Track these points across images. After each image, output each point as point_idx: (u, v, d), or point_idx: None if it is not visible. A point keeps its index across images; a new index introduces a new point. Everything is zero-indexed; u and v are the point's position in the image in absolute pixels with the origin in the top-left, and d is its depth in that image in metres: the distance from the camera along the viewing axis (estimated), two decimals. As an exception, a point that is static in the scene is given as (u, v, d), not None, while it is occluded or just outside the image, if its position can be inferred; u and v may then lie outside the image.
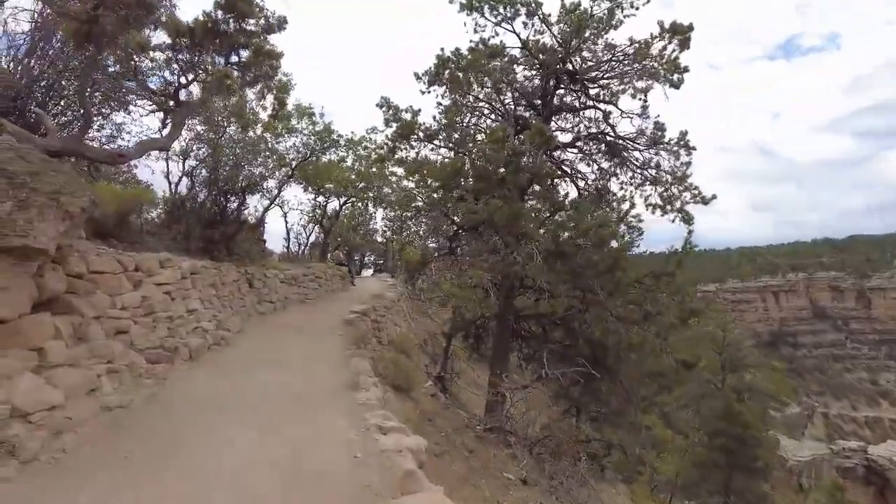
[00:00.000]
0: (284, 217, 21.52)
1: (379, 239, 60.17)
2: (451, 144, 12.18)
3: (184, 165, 12.99)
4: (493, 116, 12.63)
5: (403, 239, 14.10)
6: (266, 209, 16.03)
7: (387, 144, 12.63)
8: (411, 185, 22.08)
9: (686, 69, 11.04)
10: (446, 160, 11.67)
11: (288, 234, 21.77)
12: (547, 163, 10.94)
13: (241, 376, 7.30)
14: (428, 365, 13.94)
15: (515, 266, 9.51)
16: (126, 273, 7.21)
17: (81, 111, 6.26)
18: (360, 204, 22.24)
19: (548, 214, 10.40)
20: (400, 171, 19.30)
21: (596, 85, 11.81)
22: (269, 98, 8.95)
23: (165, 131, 7.28)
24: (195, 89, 8.16)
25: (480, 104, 12.48)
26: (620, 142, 11.79)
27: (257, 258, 14.63)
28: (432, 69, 11.93)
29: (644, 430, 11.82)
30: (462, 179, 10.32)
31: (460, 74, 11.55)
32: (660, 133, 11.67)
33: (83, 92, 6.06)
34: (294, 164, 15.95)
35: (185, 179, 13.06)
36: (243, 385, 6.89)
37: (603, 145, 12.11)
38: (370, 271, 39.70)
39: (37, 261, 4.79)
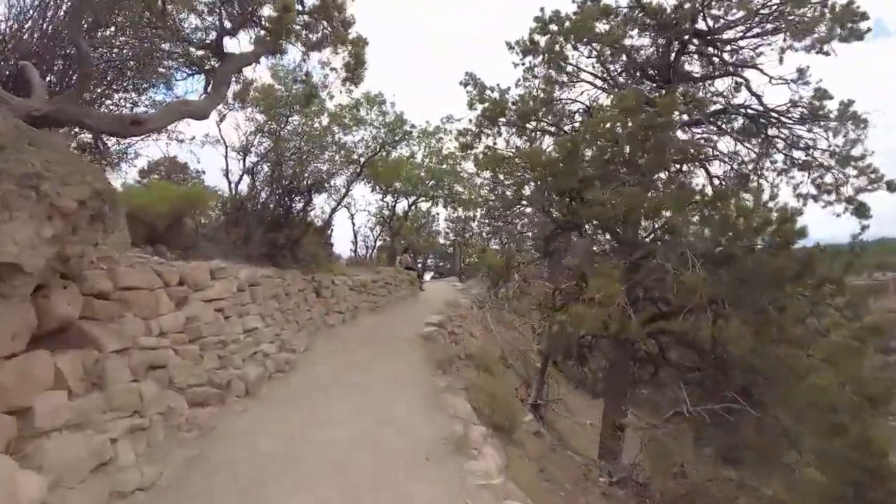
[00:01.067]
0: (351, 218, 20.17)
1: (442, 241, 58.79)
2: (549, 126, 10.14)
3: (244, 162, 11.68)
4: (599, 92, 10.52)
5: (486, 241, 12.19)
6: (334, 209, 14.60)
7: (470, 131, 10.74)
8: (481, 180, 20.19)
9: (864, 16, 8.45)
10: (548, 145, 9.70)
11: (355, 236, 20.41)
12: (688, 141, 8.70)
13: (310, 422, 5.60)
14: (518, 389, 11.94)
15: (664, 274, 7.37)
16: (167, 288, 5.69)
17: (75, 52, 4.62)
18: (427, 203, 20.48)
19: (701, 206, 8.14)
20: (471, 167, 17.52)
21: (733, 46, 9.39)
22: (343, 55, 7.25)
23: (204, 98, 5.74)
24: (244, 39, 6.66)
25: (582, 78, 10.38)
26: (765, 117, 9.27)
27: (324, 264, 13.16)
28: (525, 39, 9.96)
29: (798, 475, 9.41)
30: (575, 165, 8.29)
31: (561, 39, 9.51)
32: (819, 104, 9.08)
33: (76, 26, 4.52)
34: (362, 160, 14.42)
35: (245, 177, 11.74)
36: (313, 438, 5.17)
37: (744, 121, 9.66)
38: (429, 275, 38.13)
39: (12, 280, 3.20)
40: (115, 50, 5.46)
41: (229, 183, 12.07)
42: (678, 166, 9.17)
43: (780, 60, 9.19)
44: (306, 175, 11.81)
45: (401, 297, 17.74)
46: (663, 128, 7.38)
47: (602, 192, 7.36)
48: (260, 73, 11.56)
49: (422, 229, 45.88)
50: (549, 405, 11.70)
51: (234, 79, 7.34)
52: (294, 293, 10.17)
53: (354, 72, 7.61)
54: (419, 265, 23.40)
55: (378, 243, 22.82)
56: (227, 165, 11.93)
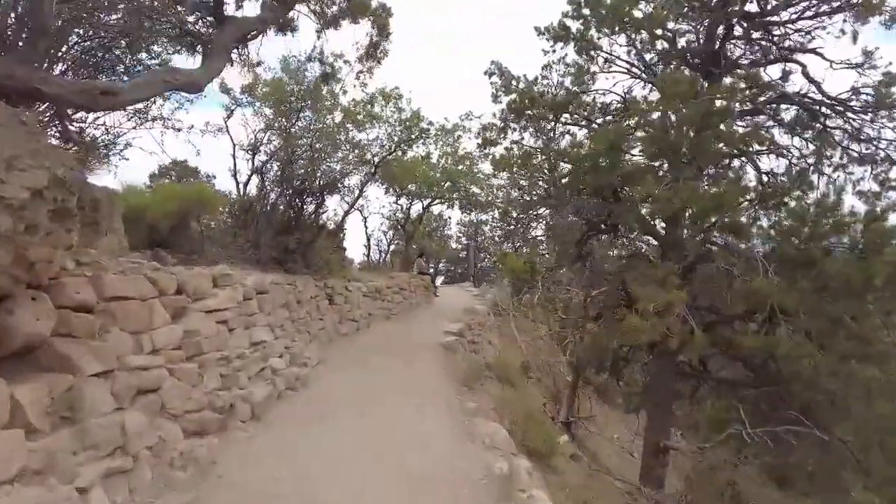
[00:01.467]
0: (364, 222, 19.46)
1: (453, 245, 57.97)
2: (581, 118, 9.34)
3: (253, 161, 10.99)
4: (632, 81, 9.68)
5: (498, 244, 11.36)
6: (347, 212, 13.86)
7: (494, 126, 9.96)
8: (498, 181, 19.41)
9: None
10: (581, 138, 8.89)
11: (368, 240, 19.70)
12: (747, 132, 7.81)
13: (325, 452, 4.83)
14: (547, 404, 11.10)
15: (730, 280, 6.53)
16: (162, 298, 4.96)
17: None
18: (443, 206, 19.66)
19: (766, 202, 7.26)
20: (488, 168, 16.76)
21: (786, 29, 8.52)
22: (365, 25, 6.47)
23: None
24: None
25: (615, 67, 9.56)
26: (826, 106, 8.34)
27: (337, 269, 12.44)
28: (555, 25, 9.17)
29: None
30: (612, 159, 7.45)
31: (595, 24, 8.71)
32: (885, 91, 8.14)
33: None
34: (376, 159, 13.69)
35: (254, 178, 11.05)
36: (330, 473, 4.39)
37: (797, 111, 8.76)
38: (440, 280, 37.37)
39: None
40: (97, 18, 4.75)
41: (237, 183, 11.42)
42: (726, 161, 8.30)
43: (854, 39, 8.19)
44: (318, 175, 11.09)
45: (415, 303, 16.98)
46: (721, 115, 6.55)
47: (654, 187, 6.54)
48: (268, 67, 10.70)
49: (433, 233, 45.18)
50: (580, 422, 10.86)
51: (237, 52, 6.61)
52: (306, 301, 9.45)
53: (377, 47, 6.85)
54: (432, 270, 22.60)
55: (391, 247, 22.11)
56: (234, 165, 11.28)
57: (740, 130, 7.68)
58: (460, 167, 17.10)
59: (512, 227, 14.23)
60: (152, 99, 5.78)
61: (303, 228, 11.16)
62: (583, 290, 10.22)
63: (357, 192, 13.41)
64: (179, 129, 7.33)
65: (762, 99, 8.27)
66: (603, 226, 8.81)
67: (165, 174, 17.63)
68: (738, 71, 8.55)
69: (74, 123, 5.33)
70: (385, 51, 6.94)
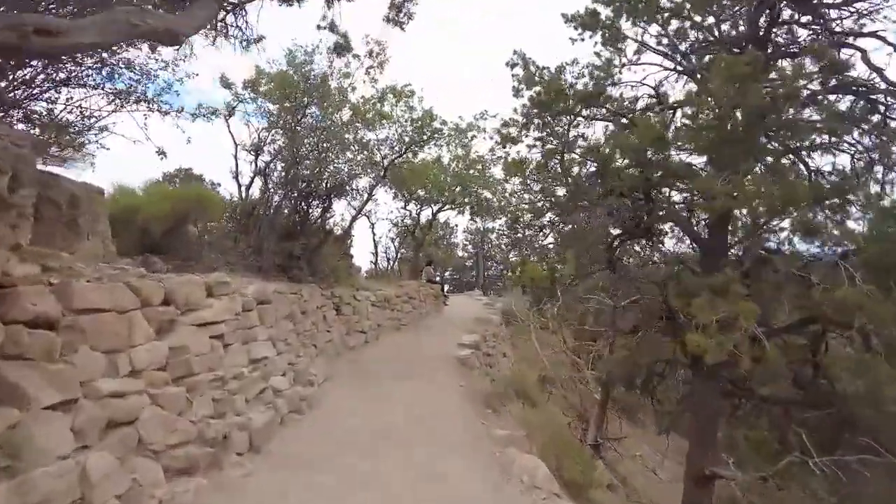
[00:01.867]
0: (372, 228, 18.69)
1: (460, 253, 57.31)
2: (610, 112, 8.58)
3: (256, 162, 10.29)
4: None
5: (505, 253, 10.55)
6: (355, 217, 13.13)
7: (515, 122, 9.24)
8: (511, 186, 18.70)
9: None
10: (608, 134, 8.12)
11: (375, 247, 18.93)
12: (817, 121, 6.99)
13: (335, 496, 4.05)
14: (571, 423, 10.27)
15: (805, 288, 5.71)
16: (146, 309, 4.23)
17: None
18: (453, 212, 18.86)
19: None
20: (499, 172, 16.02)
21: (843, 11, 7.71)
22: None
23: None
24: None
25: (647, 55, 8.80)
26: (892, 94, 7.45)
27: (345, 277, 11.70)
28: (583, 13, 8.45)
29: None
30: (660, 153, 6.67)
31: (626, 9, 7.98)
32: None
33: None
34: (386, 162, 12.97)
35: (257, 179, 10.34)
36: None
37: (853, 101, 7.92)
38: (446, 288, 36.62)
39: None
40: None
41: (239, 186, 10.69)
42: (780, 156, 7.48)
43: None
44: (325, 177, 10.39)
45: (425, 312, 16.19)
46: (789, 99, 5.77)
47: (710, 183, 5.73)
48: (273, 60, 9.97)
49: (440, 241, 44.46)
50: (608, 443, 10.03)
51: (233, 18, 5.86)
52: (312, 311, 8.71)
53: (401, 9, 6.07)
54: (438, 278, 21.80)
55: (400, 255, 21.34)
56: (236, 166, 10.56)
57: (811, 118, 6.87)
58: (472, 171, 16.35)
59: (520, 234, 13.49)
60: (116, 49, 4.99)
61: (308, 233, 10.45)
62: (613, 300, 9.41)
63: (365, 195, 12.66)
64: (167, 113, 6.55)
65: (817, 86, 7.45)
66: (637, 229, 8.01)
67: (169, 181, 16.97)
68: (790, 59, 7.76)
69: (40, 102, 4.64)
70: (410, 14, 6.16)
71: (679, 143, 6.76)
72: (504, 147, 9.46)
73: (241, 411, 4.87)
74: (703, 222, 7.71)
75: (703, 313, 5.21)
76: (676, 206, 7.93)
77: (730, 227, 7.28)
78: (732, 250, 7.51)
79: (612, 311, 9.61)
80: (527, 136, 9.08)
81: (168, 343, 4.31)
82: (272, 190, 10.25)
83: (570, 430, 9.66)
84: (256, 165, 10.34)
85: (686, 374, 8.77)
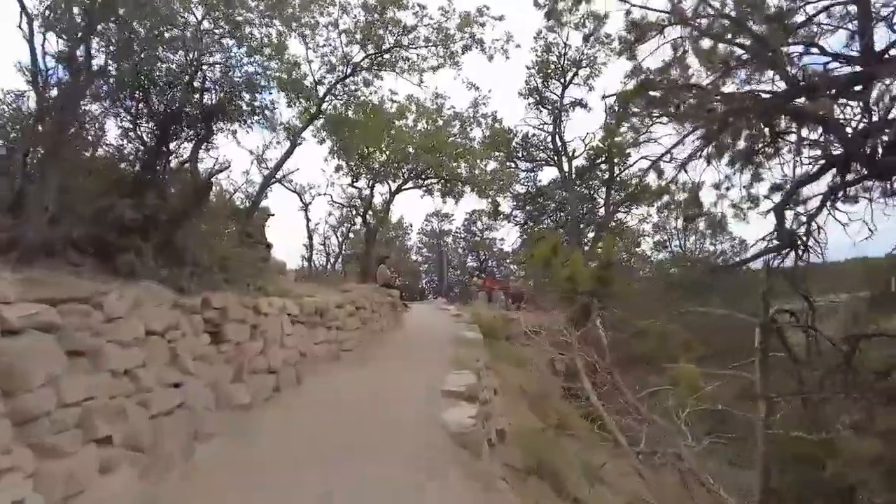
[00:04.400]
0: (305, 210, 13.56)
1: (414, 257, 52.42)
2: None
3: (44, 40, 5.12)
4: None
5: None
6: (269, 179, 8.16)
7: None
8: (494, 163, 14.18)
9: None
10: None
11: (310, 237, 13.79)
12: None
13: None
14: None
15: None
16: None
17: None
18: (419, 191, 13.92)
19: None
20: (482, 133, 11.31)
21: None
22: None
23: None
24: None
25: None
26: None
27: (243, 273, 6.79)
28: None
29: None
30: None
31: None
32: None
33: None
34: (322, 90, 8.06)
35: (54, 71, 5.22)
36: None
37: None
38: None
39: None
40: None
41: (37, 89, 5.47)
42: None
43: None
44: (201, 79, 5.44)
45: (380, 329, 11.33)
46: None
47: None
48: None
49: (392, 242, 39.45)
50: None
51: None
52: (131, 342, 3.77)
53: None
54: (398, 280, 16.79)
55: (344, 250, 16.24)
56: (31, 49, 5.34)
57: None
58: (450, 132, 11.62)
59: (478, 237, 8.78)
60: None
61: (159, 186, 5.47)
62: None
63: (287, 141, 7.68)
64: None
65: None
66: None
67: None
68: None
69: None
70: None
71: None
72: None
73: None
74: None
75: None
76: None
77: None
78: None
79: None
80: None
81: None
82: (78, 92, 5.13)
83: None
84: (44, 44, 5.16)
85: None
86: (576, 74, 20.22)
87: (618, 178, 22.07)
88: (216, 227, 7.12)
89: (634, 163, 22.50)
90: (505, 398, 10.27)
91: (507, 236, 39.85)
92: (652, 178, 8.44)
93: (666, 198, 8.23)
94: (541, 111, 21.49)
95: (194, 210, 5.90)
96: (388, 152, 11.16)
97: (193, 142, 5.60)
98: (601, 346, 7.29)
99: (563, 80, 20.31)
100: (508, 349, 14.22)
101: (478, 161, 12.36)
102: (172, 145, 5.79)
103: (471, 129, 12.04)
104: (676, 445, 5.47)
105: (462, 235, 54.36)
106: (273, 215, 9.62)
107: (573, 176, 21.93)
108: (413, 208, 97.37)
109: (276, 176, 8.32)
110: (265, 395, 5.84)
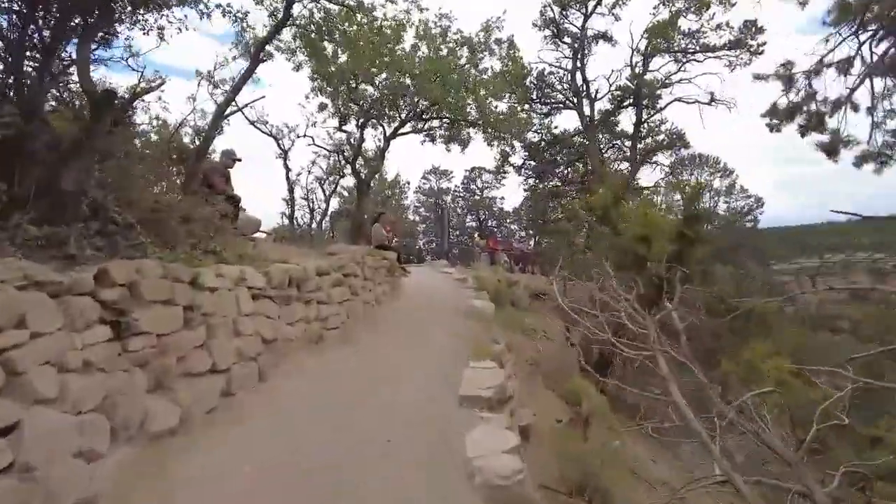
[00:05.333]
0: (284, 159, 11.55)
1: (411, 216, 50.57)
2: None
3: None
4: None
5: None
6: (228, 103, 6.23)
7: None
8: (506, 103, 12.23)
9: None
10: None
11: (291, 190, 11.83)
12: None
13: None
14: None
15: None
16: None
17: None
18: (419, 136, 11.76)
19: None
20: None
21: None
22: None
23: None
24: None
25: None
26: None
27: (183, 237, 4.95)
28: None
29: None
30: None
31: None
32: None
33: None
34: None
35: None
36: None
37: None
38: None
39: None
40: None
41: None
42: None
43: None
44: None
45: (374, 300, 9.53)
46: None
47: None
48: None
49: (389, 200, 37.53)
50: None
51: None
52: None
53: None
54: (396, 241, 14.88)
55: (333, 207, 14.28)
56: None
57: None
58: (457, 57, 9.45)
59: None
60: None
61: (32, 99, 3.52)
62: None
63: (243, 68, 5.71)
64: None
65: None
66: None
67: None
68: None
69: None
70: None
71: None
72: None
73: None
74: None
75: None
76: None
77: None
78: None
79: None
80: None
81: None
82: None
83: None
84: None
85: None
86: (599, 3, 17.80)
87: (644, 125, 20.00)
88: (146, 169, 5.22)
89: (667, 105, 20.49)
90: (519, 377, 8.65)
91: (509, 195, 38.12)
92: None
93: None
94: (558, 46, 19.10)
95: (97, 139, 3.99)
96: (381, 81, 9.02)
97: (81, 32, 3.64)
98: (674, 332, 5.52)
99: (584, 10, 17.87)
100: (514, 316, 12.63)
101: (490, 99, 10.32)
102: (59, 41, 3.79)
103: (481, 59, 9.98)
104: (803, 480, 3.77)
105: (461, 194, 52.27)
106: (240, 160, 7.69)
107: (594, 120, 19.75)
108: (410, 163, 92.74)
109: (236, 104, 6.31)
110: (208, 405, 4.09)
